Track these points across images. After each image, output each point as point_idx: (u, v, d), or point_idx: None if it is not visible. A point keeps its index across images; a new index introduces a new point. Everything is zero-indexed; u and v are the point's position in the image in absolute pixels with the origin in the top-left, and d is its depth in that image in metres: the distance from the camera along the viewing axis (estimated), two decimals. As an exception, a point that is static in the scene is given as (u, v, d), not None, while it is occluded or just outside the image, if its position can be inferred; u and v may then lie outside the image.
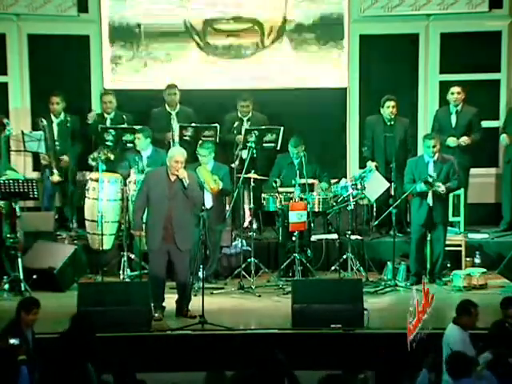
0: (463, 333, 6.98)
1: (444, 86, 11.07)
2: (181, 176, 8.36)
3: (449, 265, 9.91)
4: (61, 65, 11.21)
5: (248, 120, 10.72)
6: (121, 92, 11.07)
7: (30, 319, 6.99)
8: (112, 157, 10.00)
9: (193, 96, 10.97)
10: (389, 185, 10.09)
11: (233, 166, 10.09)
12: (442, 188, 9.45)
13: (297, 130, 10.38)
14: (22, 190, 9.06)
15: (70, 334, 6.48)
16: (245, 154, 10.16)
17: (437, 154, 9.55)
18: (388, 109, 10.42)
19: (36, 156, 10.69)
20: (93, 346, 6.39)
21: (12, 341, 6.20)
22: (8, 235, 9.19)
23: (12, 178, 9.38)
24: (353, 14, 11.37)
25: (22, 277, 9.00)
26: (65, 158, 10.44)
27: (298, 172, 9.79)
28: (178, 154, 8.49)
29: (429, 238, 9.77)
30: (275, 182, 9.87)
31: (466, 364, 6.29)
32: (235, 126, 10.50)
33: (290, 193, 9.68)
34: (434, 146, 9.53)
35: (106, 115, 10.71)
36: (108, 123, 10.57)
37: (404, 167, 9.88)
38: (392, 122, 10.41)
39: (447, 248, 9.85)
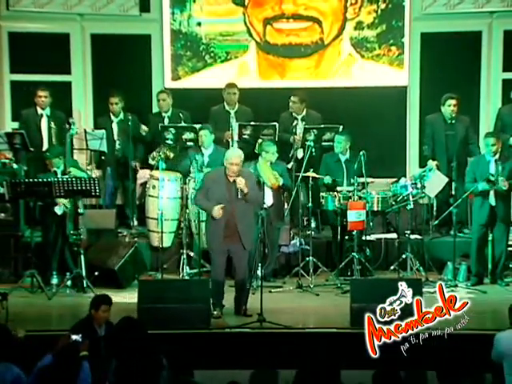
0: None
1: (507, 85, 10.92)
2: (238, 186, 8.31)
3: (511, 265, 9.78)
4: (123, 64, 11.36)
5: (302, 118, 10.67)
6: (181, 91, 11.16)
7: (100, 316, 7.04)
8: (171, 155, 10.09)
9: (251, 95, 11.00)
10: (448, 179, 9.96)
11: (289, 166, 10.06)
12: (504, 184, 9.31)
13: (356, 129, 10.31)
14: (84, 188, 9.18)
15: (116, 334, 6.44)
16: (300, 153, 10.13)
17: (497, 153, 9.44)
18: (449, 107, 10.29)
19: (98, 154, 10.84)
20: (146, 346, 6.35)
21: (74, 337, 6.28)
22: (71, 232, 9.36)
23: (77, 175, 9.50)
24: (414, 12, 11.30)
25: (84, 273, 9.15)
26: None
27: (345, 169, 9.77)
28: (234, 156, 8.43)
29: (490, 238, 9.64)
30: (334, 181, 9.87)
31: None
32: (293, 125, 10.48)
33: (349, 191, 9.65)
34: (493, 145, 9.41)
35: (163, 113, 10.81)
36: (166, 121, 10.67)
37: (465, 166, 9.76)
38: (453, 121, 10.30)
39: (510, 248, 9.70)
